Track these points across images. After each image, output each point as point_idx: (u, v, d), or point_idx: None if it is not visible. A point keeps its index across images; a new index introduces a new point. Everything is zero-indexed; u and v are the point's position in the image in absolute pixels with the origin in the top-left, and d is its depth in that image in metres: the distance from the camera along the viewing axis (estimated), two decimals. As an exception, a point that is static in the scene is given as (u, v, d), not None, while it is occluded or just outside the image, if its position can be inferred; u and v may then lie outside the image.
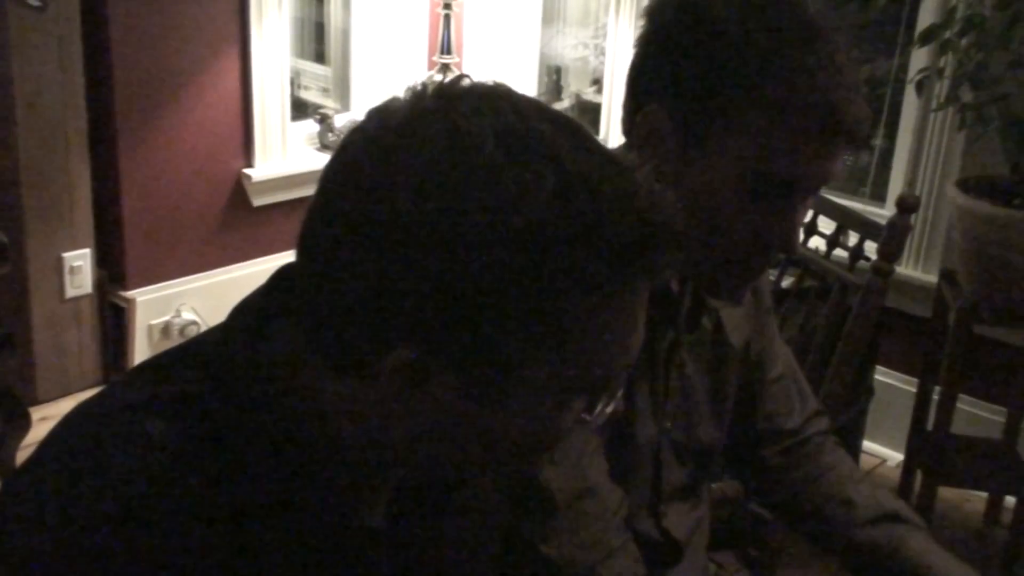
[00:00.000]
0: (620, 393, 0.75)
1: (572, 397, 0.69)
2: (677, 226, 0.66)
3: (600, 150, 0.67)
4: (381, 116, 0.68)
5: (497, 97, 0.67)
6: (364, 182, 0.65)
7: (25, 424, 1.65)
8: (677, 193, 0.96)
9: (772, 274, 1.95)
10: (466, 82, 0.68)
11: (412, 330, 0.64)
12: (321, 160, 2.08)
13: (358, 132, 0.68)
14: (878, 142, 2.89)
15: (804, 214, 0.99)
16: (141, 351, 2.82)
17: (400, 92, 0.69)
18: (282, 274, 0.74)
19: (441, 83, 0.68)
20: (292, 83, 3.02)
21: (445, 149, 0.63)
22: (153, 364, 0.74)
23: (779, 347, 1.28)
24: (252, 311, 0.74)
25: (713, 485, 1.32)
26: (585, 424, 0.72)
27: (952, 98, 2.18)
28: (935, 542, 1.18)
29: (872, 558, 1.19)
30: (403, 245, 0.63)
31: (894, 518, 1.20)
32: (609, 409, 0.73)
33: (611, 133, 3.16)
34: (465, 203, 0.62)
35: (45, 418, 2.27)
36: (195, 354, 0.74)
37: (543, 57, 3.40)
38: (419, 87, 0.68)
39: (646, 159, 0.98)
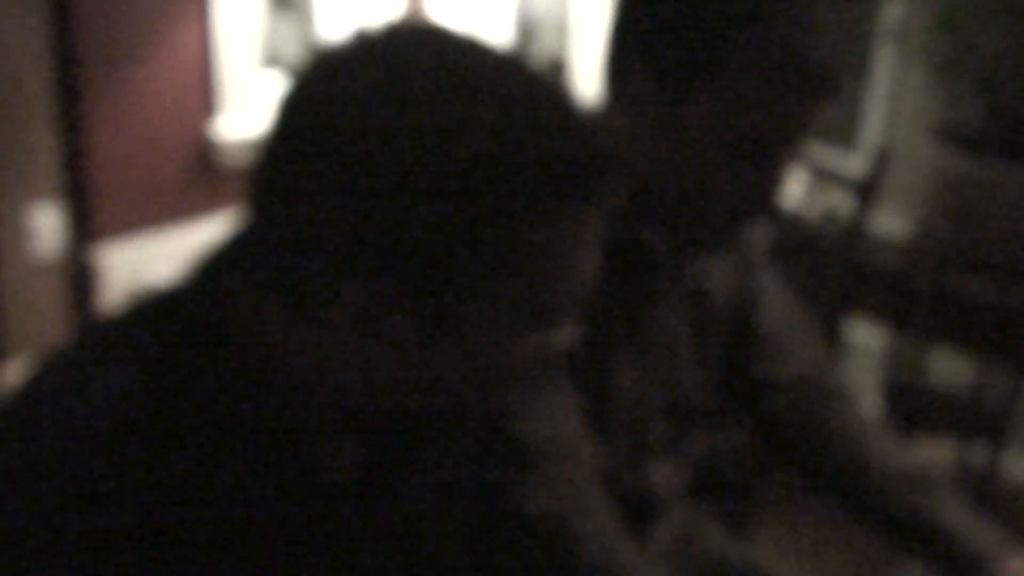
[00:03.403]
0: (577, 320, 0.75)
1: (526, 326, 0.70)
2: (618, 151, 0.68)
3: (538, 79, 0.68)
4: (322, 60, 0.68)
5: (433, 34, 0.68)
6: (307, 122, 0.65)
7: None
8: (661, 151, 0.98)
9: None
10: (400, 23, 0.69)
11: (363, 268, 0.64)
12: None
13: (301, 76, 0.68)
14: (852, 93, 2.89)
15: (787, 168, 1.00)
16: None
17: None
18: (238, 226, 0.74)
19: (378, 25, 0.69)
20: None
21: (386, 85, 0.64)
22: (112, 317, 0.74)
23: (773, 299, 1.27)
24: (209, 263, 0.74)
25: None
26: (546, 353, 0.73)
27: (927, 47, 2.18)
28: (956, 500, 1.17)
29: (894, 520, 1.17)
30: (349, 182, 0.63)
31: (912, 478, 1.19)
32: (568, 337, 0.74)
33: (584, 87, 3.13)
34: (408, 137, 0.62)
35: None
36: (155, 306, 0.74)
37: (517, 12, 3.36)
38: (356, 30, 0.69)
39: (629, 118, 0.99)
